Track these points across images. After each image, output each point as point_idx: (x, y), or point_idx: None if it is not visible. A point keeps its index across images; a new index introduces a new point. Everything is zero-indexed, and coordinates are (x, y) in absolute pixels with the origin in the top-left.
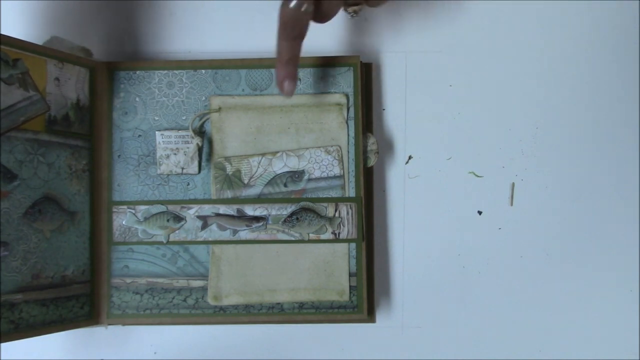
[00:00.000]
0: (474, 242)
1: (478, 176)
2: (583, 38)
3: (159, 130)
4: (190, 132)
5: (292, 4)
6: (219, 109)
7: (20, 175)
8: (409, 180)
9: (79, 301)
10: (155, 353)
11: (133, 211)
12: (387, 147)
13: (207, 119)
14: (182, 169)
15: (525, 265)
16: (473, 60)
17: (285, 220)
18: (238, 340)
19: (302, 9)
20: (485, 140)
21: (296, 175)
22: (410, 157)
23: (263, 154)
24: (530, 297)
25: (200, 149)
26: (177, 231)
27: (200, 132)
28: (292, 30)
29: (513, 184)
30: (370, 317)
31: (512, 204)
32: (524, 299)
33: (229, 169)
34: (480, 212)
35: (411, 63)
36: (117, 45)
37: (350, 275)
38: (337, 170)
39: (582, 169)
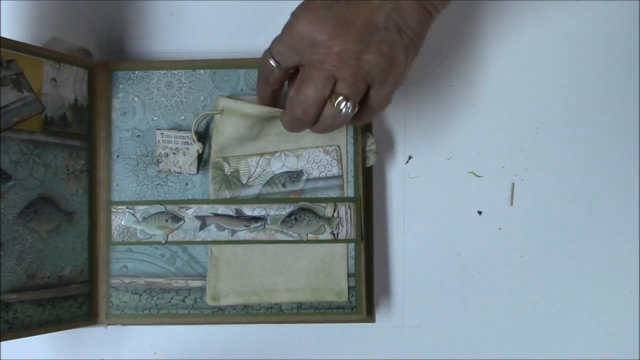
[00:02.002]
0: (474, 242)
1: (478, 176)
2: (583, 38)
3: (159, 129)
4: (192, 136)
5: (272, 60)
6: (222, 111)
7: (15, 176)
8: (409, 180)
9: (77, 301)
10: (155, 353)
11: (132, 211)
12: (386, 147)
13: (211, 119)
14: (181, 168)
15: (525, 265)
16: (473, 60)
17: (283, 221)
18: (239, 339)
19: (278, 67)
20: (485, 140)
21: (294, 176)
22: (410, 157)
23: (261, 154)
24: (530, 297)
25: (200, 154)
26: (175, 231)
27: (200, 134)
28: (266, 80)
29: (513, 184)
30: (369, 317)
31: (512, 204)
32: (524, 299)
33: (227, 169)
34: (480, 212)
35: None
36: (116, 45)
37: (348, 275)
38: (335, 170)
39: (582, 169)
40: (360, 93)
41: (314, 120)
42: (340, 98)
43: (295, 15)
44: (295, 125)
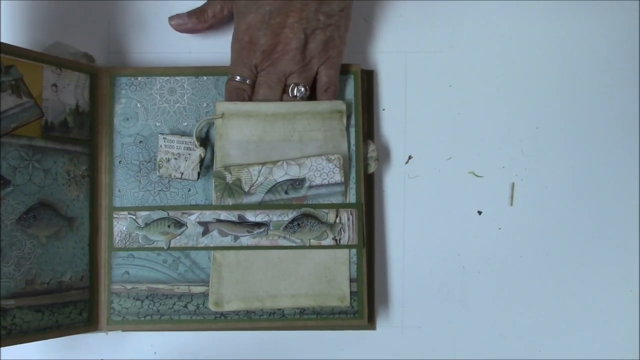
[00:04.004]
0: (474, 242)
1: (478, 176)
2: (583, 38)
3: (162, 134)
4: (194, 141)
5: (237, 78)
6: (222, 115)
7: (13, 181)
8: (409, 180)
9: (77, 307)
10: (155, 353)
11: (134, 217)
12: (387, 147)
13: (211, 124)
14: (182, 174)
15: (525, 265)
16: (473, 60)
17: (286, 226)
18: (239, 340)
19: (244, 82)
20: (485, 140)
21: (297, 183)
22: (410, 157)
23: (263, 163)
24: (530, 297)
25: (202, 160)
26: (178, 237)
27: (203, 139)
28: (236, 99)
29: (513, 184)
30: (370, 323)
31: (512, 204)
32: (524, 299)
33: (229, 178)
34: (480, 212)
35: (411, 63)
36: (117, 45)
37: (351, 281)
38: (338, 178)
39: (582, 170)
40: (310, 78)
41: None
42: (292, 85)
43: (240, 36)
44: None
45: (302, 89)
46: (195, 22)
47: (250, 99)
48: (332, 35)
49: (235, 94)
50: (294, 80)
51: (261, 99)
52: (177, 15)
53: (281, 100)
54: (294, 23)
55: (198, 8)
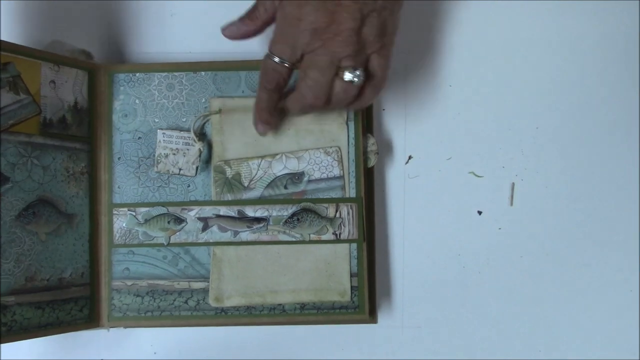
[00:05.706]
0: (474, 242)
1: (478, 176)
2: (583, 38)
3: (161, 129)
4: (192, 136)
5: (275, 59)
6: (219, 111)
7: (12, 178)
8: (409, 180)
9: (77, 304)
10: (155, 353)
11: (133, 213)
12: (387, 147)
13: (208, 120)
14: (180, 169)
15: (525, 265)
16: (473, 60)
17: (286, 221)
18: (240, 339)
19: (283, 64)
20: (485, 140)
21: (296, 177)
22: (410, 157)
23: (262, 157)
24: (530, 297)
25: (200, 156)
26: (177, 233)
27: (201, 134)
28: (269, 82)
29: (513, 184)
30: (372, 317)
31: (512, 204)
32: (524, 299)
33: (229, 172)
34: (480, 212)
35: (411, 63)
36: (117, 45)
37: (351, 275)
38: (337, 171)
39: (582, 169)
40: (364, 63)
41: (326, 102)
42: (348, 70)
43: (287, 10)
44: (307, 110)
45: (359, 73)
46: (248, 24)
47: (285, 84)
48: (386, 21)
49: (271, 76)
50: (348, 63)
51: (310, 84)
52: (229, 24)
53: (332, 86)
54: (350, 1)
55: (248, 9)
